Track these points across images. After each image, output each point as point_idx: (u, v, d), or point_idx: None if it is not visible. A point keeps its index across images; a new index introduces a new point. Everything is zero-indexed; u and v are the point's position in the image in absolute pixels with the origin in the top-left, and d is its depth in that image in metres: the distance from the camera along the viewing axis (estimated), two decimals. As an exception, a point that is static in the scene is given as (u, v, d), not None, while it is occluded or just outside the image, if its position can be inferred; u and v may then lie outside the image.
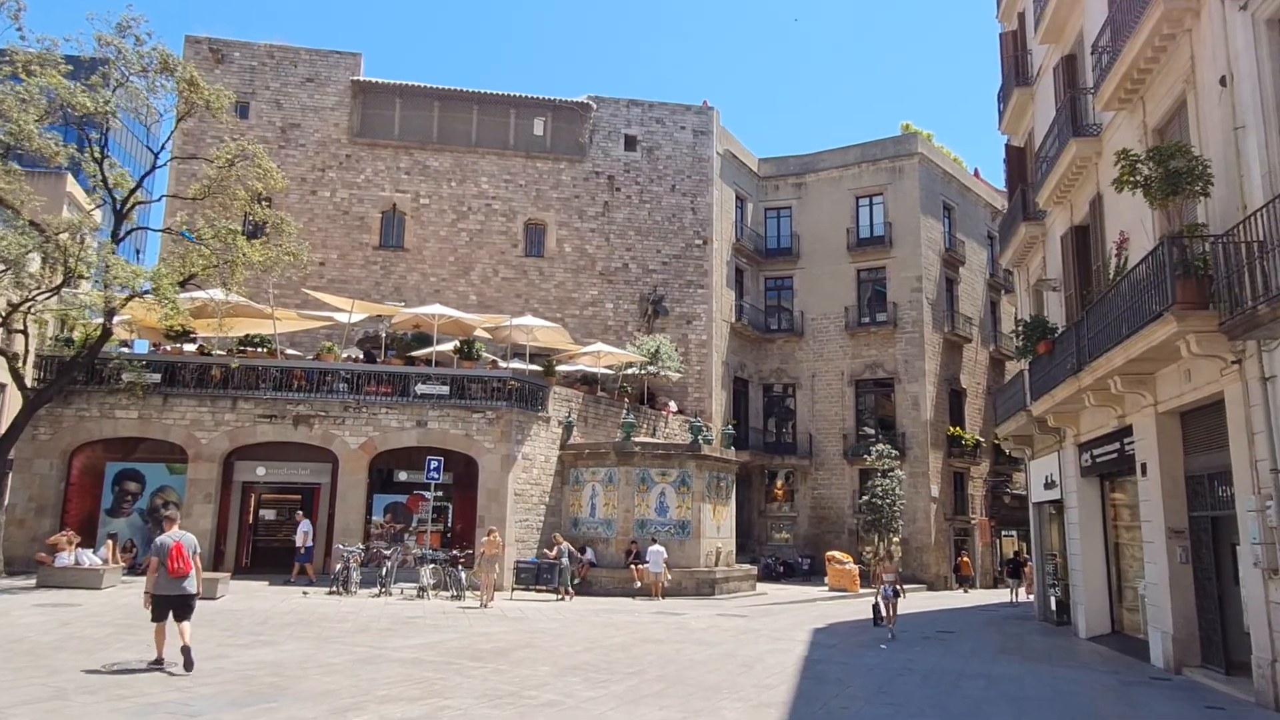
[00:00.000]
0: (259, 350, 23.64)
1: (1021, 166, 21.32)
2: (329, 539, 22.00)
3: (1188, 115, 11.74)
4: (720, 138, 35.77)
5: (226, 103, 20.57)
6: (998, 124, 22.41)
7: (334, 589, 19.04)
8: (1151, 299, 10.87)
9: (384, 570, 19.43)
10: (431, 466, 20.66)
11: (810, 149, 39.98)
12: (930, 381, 34.52)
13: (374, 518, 22.97)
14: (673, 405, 31.81)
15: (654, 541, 23.17)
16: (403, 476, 23.42)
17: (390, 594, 19.36)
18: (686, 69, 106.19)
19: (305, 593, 18.82)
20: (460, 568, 20.00)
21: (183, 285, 21.07)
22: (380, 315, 27.39)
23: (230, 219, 20.84)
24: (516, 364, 26.59)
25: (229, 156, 20.22)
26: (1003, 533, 37.52)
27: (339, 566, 19.22)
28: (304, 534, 21.07)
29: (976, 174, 41.35)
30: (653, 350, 29.77)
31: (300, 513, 22.28)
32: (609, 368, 30.23)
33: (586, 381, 29.31)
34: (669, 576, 22.76)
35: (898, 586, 17.27)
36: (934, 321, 35.32)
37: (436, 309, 24.66)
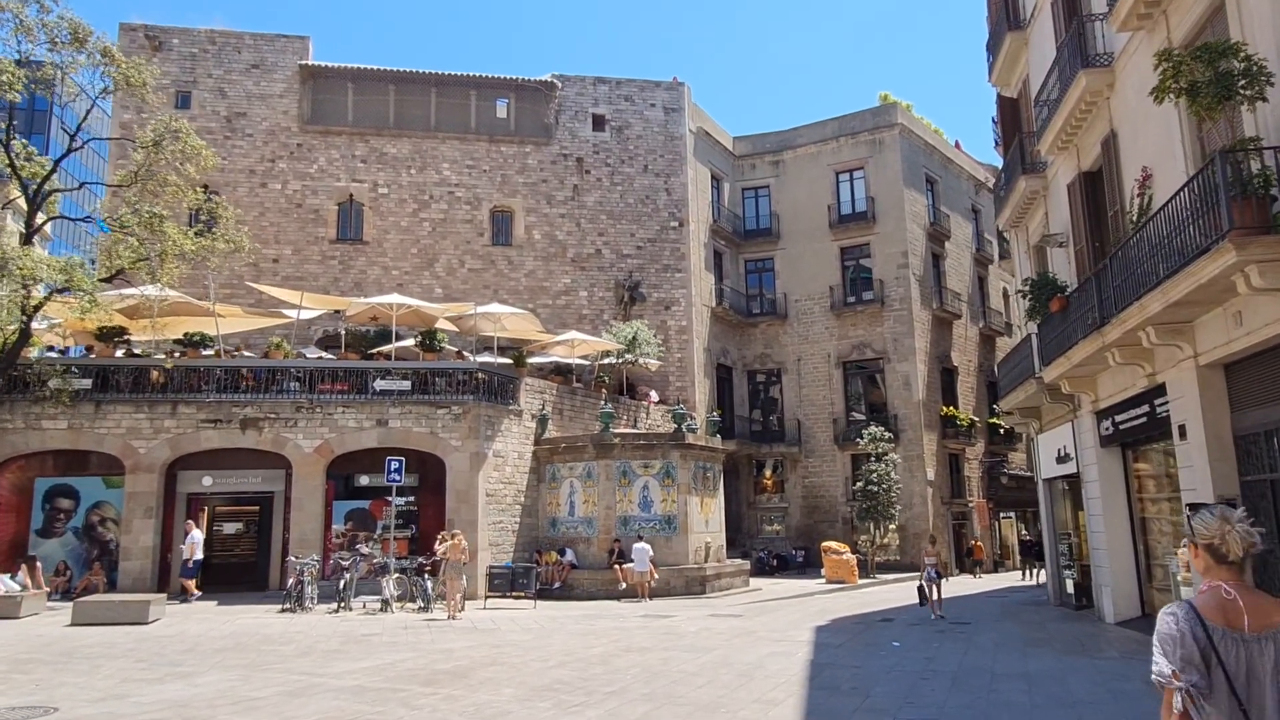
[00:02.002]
0: (201, 350, 21.76)
1: (1015, 119, 19.86)
2: (285, 551, 20.18)
3: (1226, 20, 10.23)
4: (693, 115, 34.18)
5: (149, 79, 18.74)
6: (987, 76, 20.93)
7: (286, 606, 17.26)
8: (1196, 231, 9.37)
9: (342, 583, 17.66)
10: (392, 468, 18.91)
11: (786, 125, 38.42)
12: (921, 360, 33.08)
13: (335, 526, 21.17)
14: (654, 395, 30.19)
15: (639, 539, 21.56)
16: (364, 481, 21.63)
17: (350, 609, 17.61)
18: (654, 45, 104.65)
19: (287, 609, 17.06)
20: (427, 576, 18.28)
21: (110, 280, 19.26)
22: (339, 311, 25.59)
23: (163, 206, 19.01)
24: (486, 358, 24.87)
25: (155, 137, 18.39)
26: (1001, 515, 36.18)
27: (291, 581, 17.44)
28: (191, 544, 19.01)
29: (958, 146, 40.00)
30: (630, 337, 28.12)
31: (190, 522, 20.01)
32: (584, 357, 28.57)
33: (561, 372, 27.64)
34: (656, 576, 21.15)
35: (939, 569, 17.19)
36: (922, 298, 33.89)
37: (395, 298, 22.89)
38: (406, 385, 21.43)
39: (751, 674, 10.56)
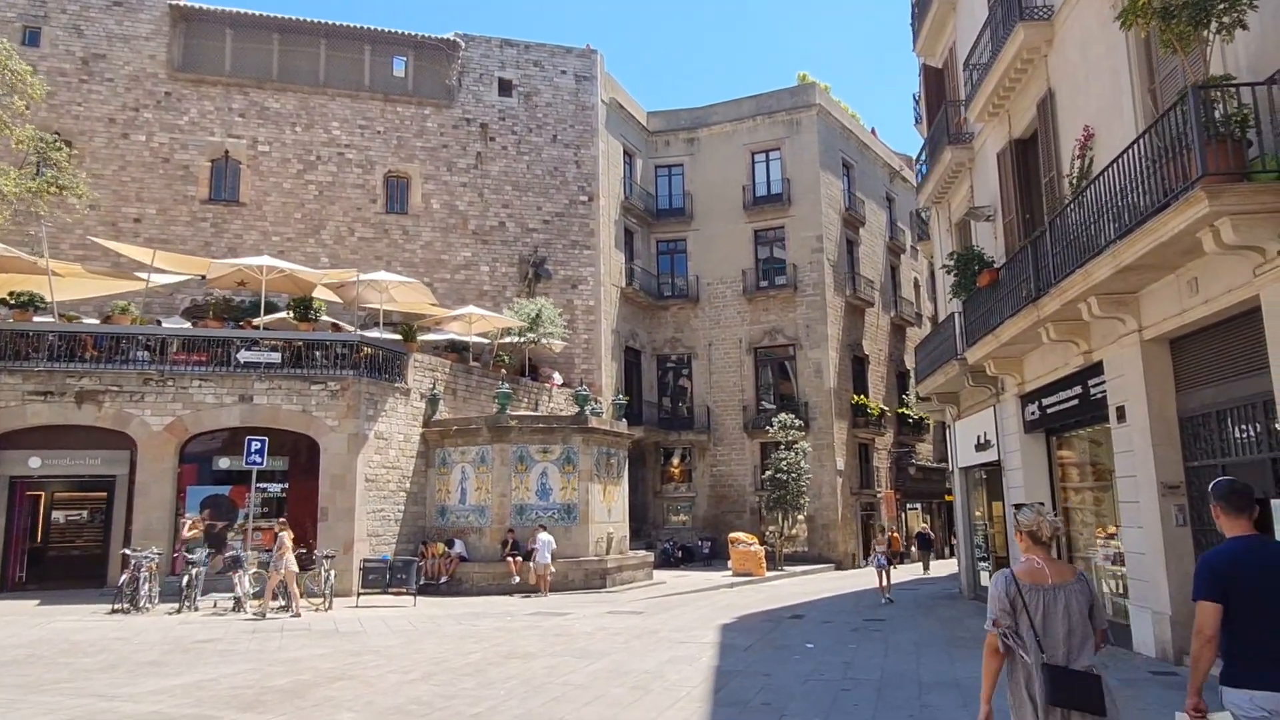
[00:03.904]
0: (33, 314, 18.96)
1: (940, 90, 18.93)
2: (126, 542, 17.67)
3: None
4: (605, 85, 32.47)
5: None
6: (911, 45, 19.98)
7: (119, 605, 14.90)
8: (1156, 184, 8.29)
9: (186, 579, 15.39)
10: (252, 449, 16.67)
11: (702, 102, 37.17)
12: (833, 347, 32.31)
13: (188, 515, 18.73)
14: (557, 377, 28.46)
15: (541, 529, 19.87)
16: (225, 464, 19.21)
17: (196, 608, 15.39)
18: (565, 9, 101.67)
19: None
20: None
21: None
22: (203, 277, 22.91)
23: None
24: (374, 334, 22.68)
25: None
26: (908, 506, 35.90)
27: (124, 578, 15.09)
28: None
29: (874, 134, 39.49)
30: (533, 315, 26.28)
31: None
32: (483, 335, 26.61)
33: (456, 350, 25.60)
34: (552, 569, 19.52)
35: (888, 556, 19.00)
36: (835, 284, 33.11)
37: (265, 260, 20.45)
38: (276, 357, 19.13)
39: (648, 686, 9.05)
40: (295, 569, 15.16)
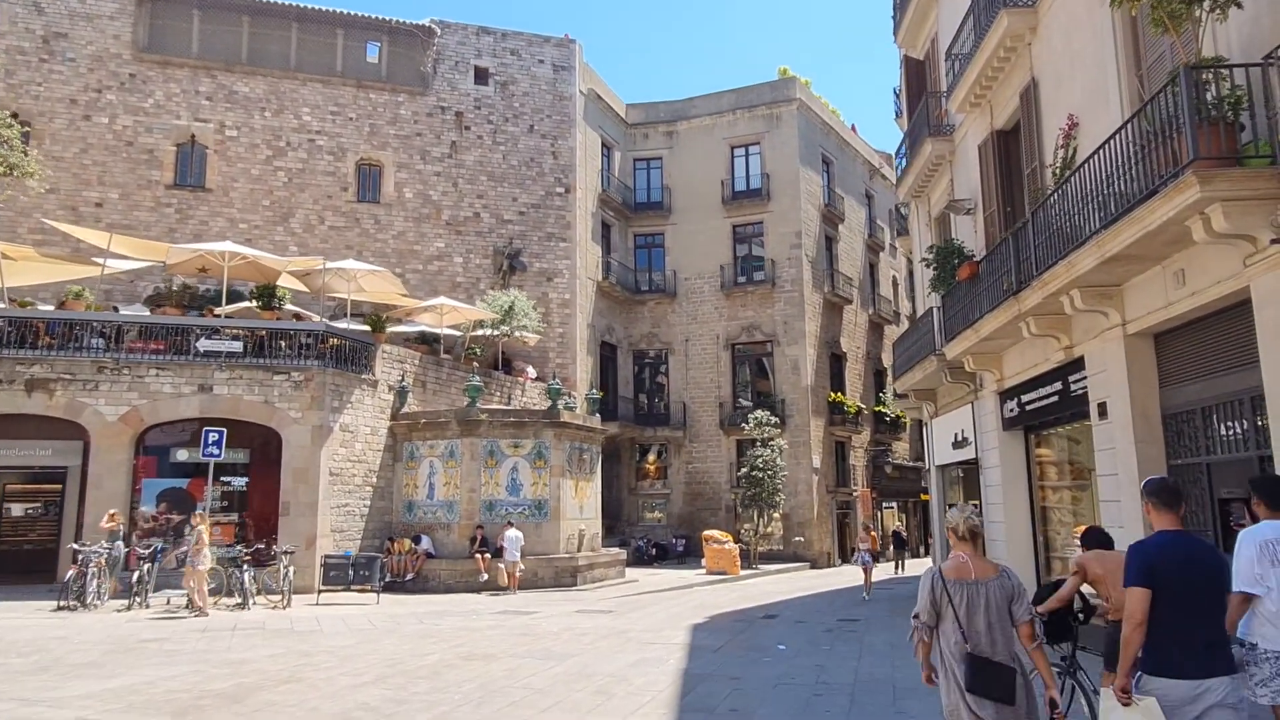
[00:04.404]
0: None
1: (922, 82, 18.64)
2: (78, 536, 17.00)
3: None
4: (584, 76, 31.98)
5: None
6: (893, 36, 19.66)
7: (64, 603, 14.28)
8: (1143, 171, 7.98)
9: (137, 575, 14.78)
10: (210, 440, 16.08)
11: (682, 95, 36.75)
12: (811, 344, 32.04)
13: (143, 508, 18.11)
14: (531, 371, 27.97)
15: (509, 525, 19.40)
16: (183, 456, 18.61)
17: (147, 605, 14.79)
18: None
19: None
20: (245, 568, 15.59)
21: None
22: (165, 264, 22.20)
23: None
24: (341, 325, 22.07)
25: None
26: (884, 505, 35.73)
27: (70, 573, 14.46)
28: None
29: (854, 130, 39.26)
30: (506, 307, 25.78)
31: None
32: (455, 327, 26.07)
33: (427, 342, 25.07)
34: (521, 566, 19.06)
35: (872, 553, 19.74)
36: (814, 280, 32.83)
37: (228, 246, 19.81)
38: (238, 346, 18.54)
39: (611, 690, 8.64)
40: (206, 567, 14.46)
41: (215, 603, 15.22)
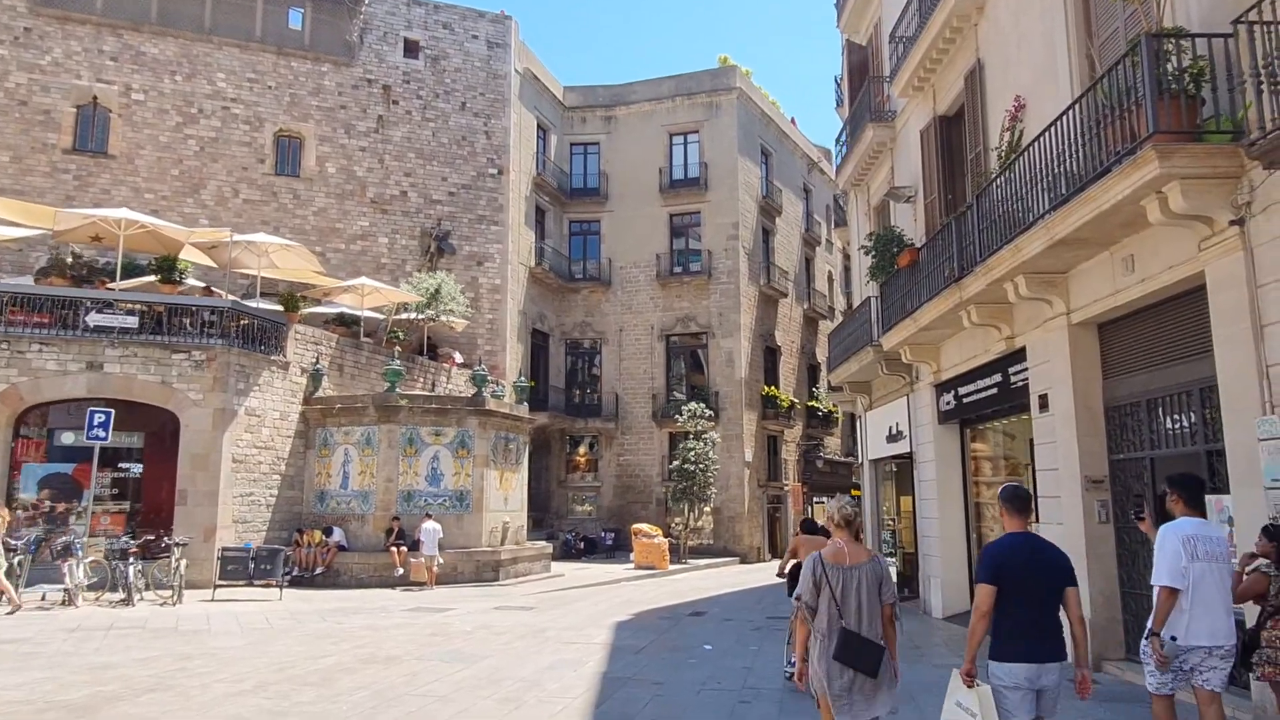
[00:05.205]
0: None
1: (864, 69, 18.22)
2: (-56, 527, 15.45)
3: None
4: (520, 54, 30.93)
5: None
6: (836, 21, 19.23)
7: (-81, 600, 12.86)
8: (1098, 147, 7.55)
9: (6, 569, 13.38)
10: (95, 422, 14.76)
11: (620, 79, 35.97)
12: (745, 337, 31.64)
13: (23, 495, 16.61)
14: (458, 357, 26.91)
15: (427, 517, 18.42)
16: (69, 439, 17.15)
17: (18, 603, 13.41)
18: None
19: None
20: (132, 560, 14.32)
21: None
22: (53, 231, 20.51)
23: None
24: (252, 304, 20.70)
25: None
26: (815, 500, 35.59)
27: (-74, 567, 13.03)
28: None
29: (794, 124, 39.02)
30: (432, 290, 24.67)
31: None
32: (378, 310, 24.84)
33: (346, 324, 23.82)
34: (440, 560, 18.10)
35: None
36: (750, 273, 32.43)
37: (123, 213, 18.29)
38: (133, 322, 17.11)
39: (521, 698, 7.87)
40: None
41: (97, 599, 13.95)
